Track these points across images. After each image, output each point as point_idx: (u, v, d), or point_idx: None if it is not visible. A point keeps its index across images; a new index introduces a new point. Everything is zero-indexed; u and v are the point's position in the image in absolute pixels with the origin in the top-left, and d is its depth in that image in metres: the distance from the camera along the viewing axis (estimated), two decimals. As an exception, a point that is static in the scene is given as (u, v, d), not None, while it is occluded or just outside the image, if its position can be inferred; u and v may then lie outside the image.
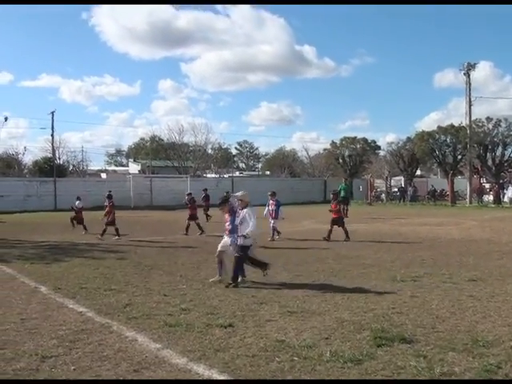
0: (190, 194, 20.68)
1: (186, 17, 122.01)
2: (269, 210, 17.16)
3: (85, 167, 73.09)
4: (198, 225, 18.82)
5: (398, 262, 11.76)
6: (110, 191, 19.82)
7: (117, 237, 17.19)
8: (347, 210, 27.55)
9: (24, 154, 68.87)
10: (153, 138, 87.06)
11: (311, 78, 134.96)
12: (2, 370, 5.06)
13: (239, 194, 9.88)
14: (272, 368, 5.09)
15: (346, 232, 16.35)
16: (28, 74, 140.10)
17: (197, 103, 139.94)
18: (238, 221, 9.42)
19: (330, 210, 17.08)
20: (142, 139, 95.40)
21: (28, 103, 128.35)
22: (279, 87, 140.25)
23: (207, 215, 24.68)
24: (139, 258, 12.59)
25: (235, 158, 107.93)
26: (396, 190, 51.41)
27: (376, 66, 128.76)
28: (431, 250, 13.95)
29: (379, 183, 53.94)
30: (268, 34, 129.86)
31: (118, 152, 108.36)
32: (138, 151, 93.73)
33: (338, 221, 16.75)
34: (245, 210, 9.43)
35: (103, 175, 62.98)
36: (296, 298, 8.19)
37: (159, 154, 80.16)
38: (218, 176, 67.98)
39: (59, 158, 59.60)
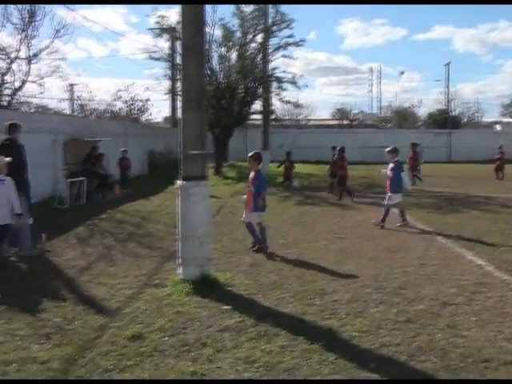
0: None
1: None
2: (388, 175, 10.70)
3: (479, 119, 70.50)
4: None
5: None
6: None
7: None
8: None
9: (419, 106, 70.96)
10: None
11: None
12: (403, 309, 5.42)
13: None
14: None
15: None
16: (421, 26, 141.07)
17: None
18: None
19: None
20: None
21: (421, 56, 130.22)
22: None
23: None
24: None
25: None
26: None
27: None
28: None
29: None
30: None
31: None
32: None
33: None
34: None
35: (497, 127, 59.44)
36: None
37: None
38: None
39: (453, 110, 59.02)
